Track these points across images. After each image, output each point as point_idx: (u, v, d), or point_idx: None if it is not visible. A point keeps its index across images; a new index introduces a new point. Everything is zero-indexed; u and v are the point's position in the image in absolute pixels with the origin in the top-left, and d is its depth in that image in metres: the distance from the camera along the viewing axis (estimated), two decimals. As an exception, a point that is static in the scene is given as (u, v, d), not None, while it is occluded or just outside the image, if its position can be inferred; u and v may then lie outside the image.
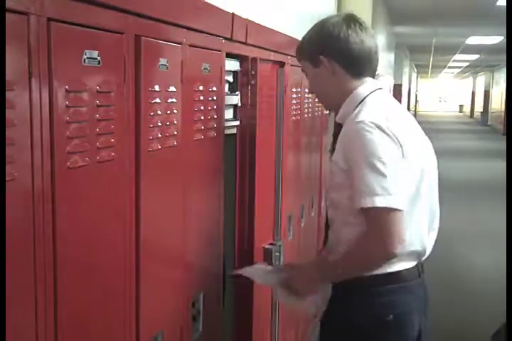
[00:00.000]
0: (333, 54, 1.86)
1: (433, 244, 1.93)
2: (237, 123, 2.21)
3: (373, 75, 1.90)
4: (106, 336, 1.32)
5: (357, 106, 1.82)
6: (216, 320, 2.05)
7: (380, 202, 1.65)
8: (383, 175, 1.66)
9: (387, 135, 1.69)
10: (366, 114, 1.74)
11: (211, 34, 1.84)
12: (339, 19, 1.85)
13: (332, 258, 1.84)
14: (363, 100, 1.83)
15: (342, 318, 1.86)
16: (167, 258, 1.64)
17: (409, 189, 1.75)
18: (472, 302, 4.99)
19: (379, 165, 1.66)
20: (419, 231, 1.83)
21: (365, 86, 1.85)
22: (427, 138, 1.93)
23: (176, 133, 1.58)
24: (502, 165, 9.25)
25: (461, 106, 41.23)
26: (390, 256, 1.70)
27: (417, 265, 1.86)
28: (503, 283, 4.49)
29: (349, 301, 1.85)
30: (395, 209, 1.66)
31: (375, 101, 1.82)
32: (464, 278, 5.65)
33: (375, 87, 1.86)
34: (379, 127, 1.69)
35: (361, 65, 1.86)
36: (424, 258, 1.89)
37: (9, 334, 0.96)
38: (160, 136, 1.49)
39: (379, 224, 1.68)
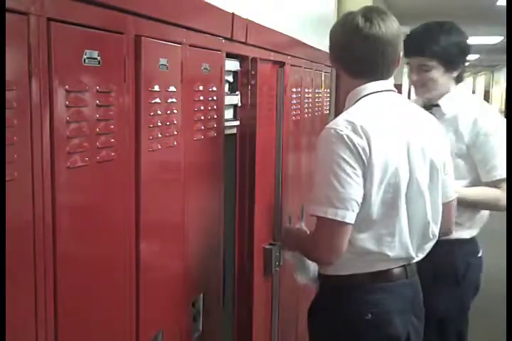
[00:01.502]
0: (334, 53, 1.88)
1: (429, 249, 1.92)
2: (237, 123, 2.21)
3: (382, 75, 1.84)
4: (106, 336, 1.32)
5: (352, 105, 1.83)
6: (216, 320, 2.05)
7: (321, 211, 1.71)
8: (333, 186, 1.69)
9: (349, 147, 1.70)
10: (338, 121, 1.75)
11: (211, 34, 1.84)
12: (352, 17, 1.81)
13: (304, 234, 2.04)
14: (358, 100, 1.82)
15: (327, 314, 1.89)
16: (167, 258, 1.64)
17: (381, 198, 1.75)
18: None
19: (332, 177, 1.69)
20: (400, 239, 1.81)
21: (365, 86, 1.83)
22: (433, 139, 1.89)
23: (176, 133, 1.58)
24: (502, 165, 9.22)
25: (461, 106, 41.19)
26: (322, 263, 1.88)
27: (404, 266, 1.86)
28: (499, 280, 4.49)
29: (334, 297, 1.87)
30: (338, 221, 1.70)
31: (363, 105, 1.81)
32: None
33: (376, 88, 1.83)
34: (341, 138, 1.70)
35: (359, 68, 1.84)
36: (414, 261, 1.88)
37: (9, 334, 0.96)
38: (160, 136, 1.49)
39: (319, 232, 1.78)
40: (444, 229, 1.98)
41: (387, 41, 1.79)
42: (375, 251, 1.79)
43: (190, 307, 1.78)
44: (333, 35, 1.89)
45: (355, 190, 1.70)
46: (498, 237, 6.17)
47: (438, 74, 2.51)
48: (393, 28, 1.81)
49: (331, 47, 1.90)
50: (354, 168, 1.70)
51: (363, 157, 1.70)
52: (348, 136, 1.70)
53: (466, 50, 2.56)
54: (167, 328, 1.61)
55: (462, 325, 2.71)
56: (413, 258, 1.87)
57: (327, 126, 1.77)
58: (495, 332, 4.20)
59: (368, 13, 1.80)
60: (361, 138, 1.70)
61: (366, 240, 1.77)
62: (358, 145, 1.70)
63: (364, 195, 1.73)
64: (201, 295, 1.85)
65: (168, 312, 1.66)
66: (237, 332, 2.34)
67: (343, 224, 1.71)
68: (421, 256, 1.90)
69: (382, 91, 1.84)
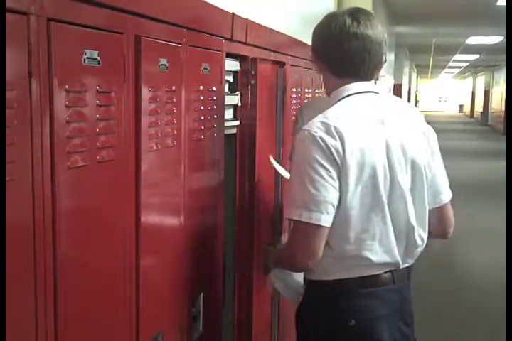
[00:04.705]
0: (318, 53, 1.87)
1: (418, 255, 1.89)
2: (237, 123, 2.21)
3: (366, 76, 1.82)
4: (106, 336, 1.32)
5: (332, 106, 1.81)
6: (216, 320, 2.05)
7: (296, 215, 1.69)
8: (307, 189, 1.68)
9: (322, 148, 1.68)
10: (313, 123, 1.73)
11: (211, 34, 1.84)
12: (338, 17, 1.80)
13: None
14: (338, 101, 1.81)
15: (311, 320, 1.86)
16: (167, 259, 1.64)
17: (359, 200, 1.72)
18: (472, 300, 4.99)
19: (307, 179, 1.68)
20: (382, 242, 1.78)
21: (346, 87, 1.81)
22: (417, 142, 1.83)
23: (175, 133, 1.58)
24: (502, 165, 9.26)
25: (461, 106, 41.24)
26: (298, 269, 1.87)
27: (391, 271, 1.82)
28: (499, 279, 4.50)
29: (318, 303, 1.85)
30: (312, 224, 1.67)
31: (341, 106, 1.79)
32: (463, 276, 5.66)
33: (359, 89, 1.81)
34: (315, 139, 1.69)
35: (346, 66, 1.81)
36: (402, 267, 1.84)
37: (10, 334, 0.96)
38: (160, 135, 1.49)
39: (294, 236, 1.77)
40: (440, 232, 1.95)
41: (375, 40, 1.79)
42: (356, 255, 1.76)
43: (190, 307, 1.78)
44: (318, 35, 1.87)
45: (330, 193, 1.68)
46: (497, 237, 6.19)
47: None
48: (379, 29, 1.81)
49: (314, 47, 1.88)
50: (329, 171, 1.68)
51: (337, 158, 1.68)
52: (321, 138, 1.68)
53: None
54: (167, 328, 1.61)
55: None
56: (400, 264, 1.83)
57: (303, 127, 1.76)
58: (495, 331, 4.20)
59: (354, 13, 1.80)
60: (334, 139, 1.68)
61: (346, 244, 1.74)
62: (331, 147, 1.68)
63: (340, 197, 1.70)
64: (201, 295, 1.85)
65: (168, 312, 1.66)
66: (237, 332, 2.34)
67: (318, 227, 1.68)
68: (410, 261, 1.87)
69: (365, 92, 1.82)
